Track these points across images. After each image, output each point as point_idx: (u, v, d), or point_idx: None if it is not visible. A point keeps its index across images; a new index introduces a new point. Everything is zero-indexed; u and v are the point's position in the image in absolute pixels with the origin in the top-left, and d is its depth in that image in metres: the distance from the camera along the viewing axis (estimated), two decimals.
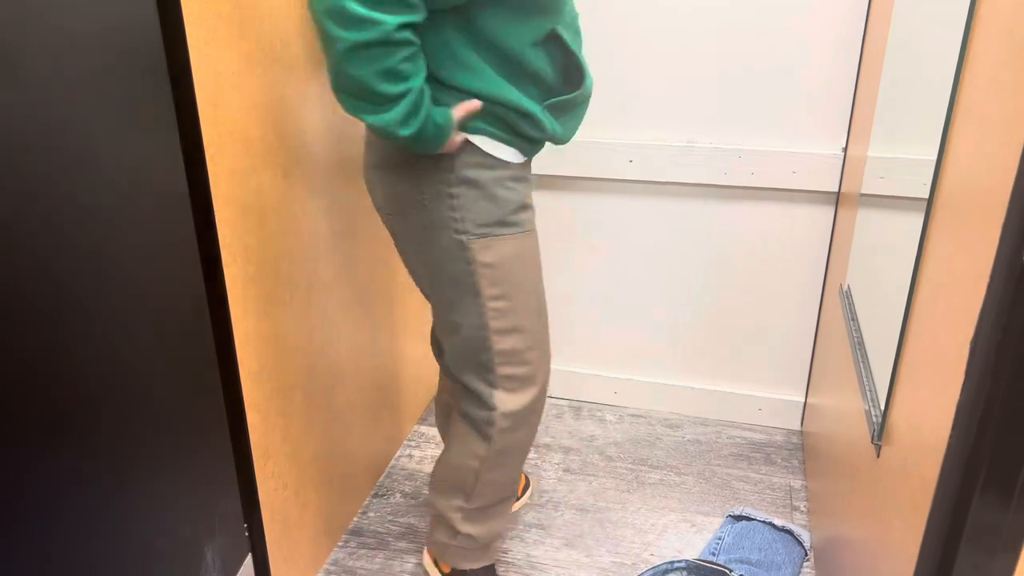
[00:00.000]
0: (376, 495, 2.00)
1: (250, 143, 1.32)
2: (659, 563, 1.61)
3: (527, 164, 1.34)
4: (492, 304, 1.33)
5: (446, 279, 1.34)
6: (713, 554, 1.72)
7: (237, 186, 1.30)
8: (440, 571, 1.65)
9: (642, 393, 2.29)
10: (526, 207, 1.33)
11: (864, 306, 1.52)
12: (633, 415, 2.29)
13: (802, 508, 1.92)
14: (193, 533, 0.88)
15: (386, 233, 1.89)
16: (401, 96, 1.12)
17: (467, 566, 1.59)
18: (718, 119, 1.95)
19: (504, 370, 1.38)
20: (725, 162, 1.97)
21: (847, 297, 1.65)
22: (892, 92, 1.49)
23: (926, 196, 1.09)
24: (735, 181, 1.97)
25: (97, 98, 0.71)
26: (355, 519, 1.92)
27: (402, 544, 1.83)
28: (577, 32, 1.29)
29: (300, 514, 1.65)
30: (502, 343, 1.36)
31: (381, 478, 2.06)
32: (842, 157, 1.90)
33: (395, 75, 1.10)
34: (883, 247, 1.42)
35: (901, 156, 1.39)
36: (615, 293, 2.20)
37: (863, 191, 1.63)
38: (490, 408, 1.41)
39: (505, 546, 1.82)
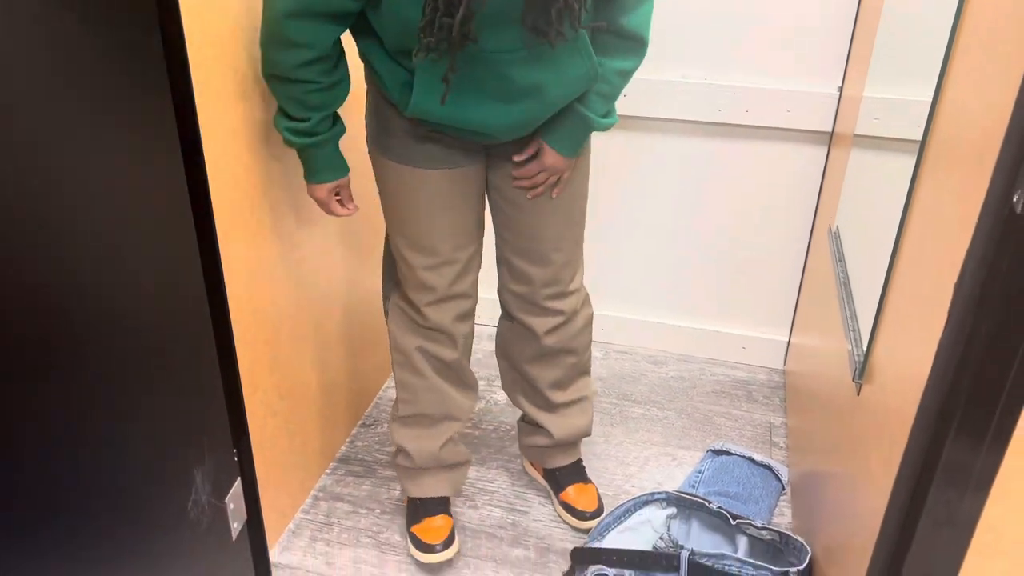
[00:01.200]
0: (364, 425, 2.03)
1: (236, 71, 1.29)
2: (640, 494, 1.65)
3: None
4: None
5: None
6: (693, 487, 1.76)
7: (225, 112, 1.28)
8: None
9: (628, 330, 2.31)
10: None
11: (852, 247, 1.53)
12: (619, 351, 2.31)
13: (781, 444, 1.96)
14: (183, 458, 0.89)
15: (371, 170, 1.86)
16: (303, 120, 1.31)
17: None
18: (713, 55, 1.92)
19: None
20: (719, 99, 1.94)
21: (835, 238, 1.65)
22: (890, 32, 1.46)
23: (919, 138, 1.09)
24: (729, 119, 1.95)
25: None
26: (343, 448, 1.95)
27: (388, 472, 1.86)
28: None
29: (288, 442, 1.67)
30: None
31: (369, 408, 2.08)
32: (837, 97, 1.88)
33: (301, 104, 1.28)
34: (874, 189, 1.42)
35: (897, 97, 1.38)
36: (603, 231, 2.20)
37: (857, 132, 1.62)
38: None
39: (490, 475, 1.86)
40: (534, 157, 1.42)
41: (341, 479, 1.86)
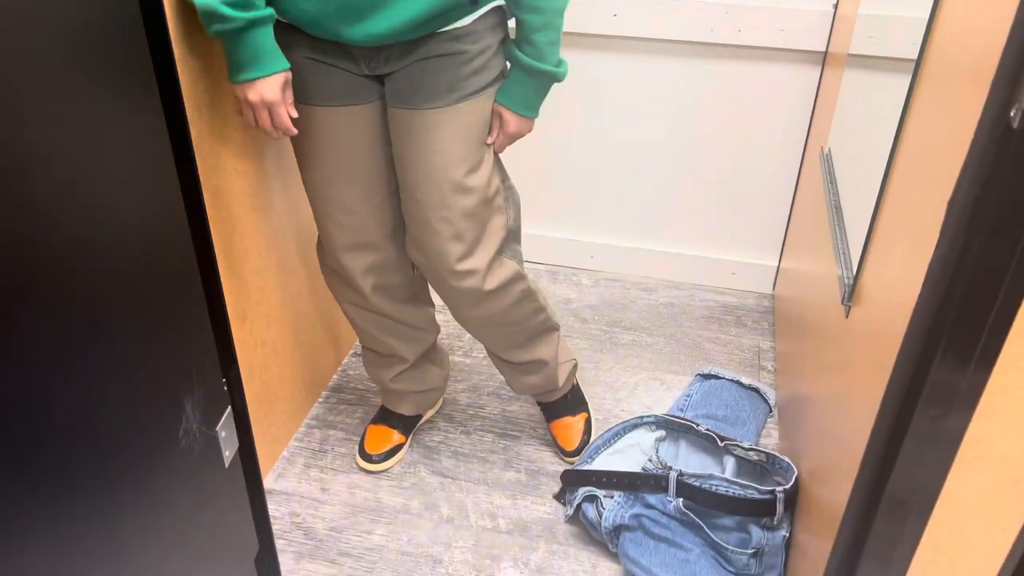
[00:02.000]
0: (355, 354, 2.03)
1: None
2: (629, 418, 1.67)
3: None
4: None
5: None
6: (681, 410, 1.78)
7: (200, 30, 1.24)
8: None
9: (618, 257, 2.31)
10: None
11: (843, 170, 1.51)
12: (608, 279, 2.31)
13: (769, 368, 1.98)
14: (172, 388, 0.89)
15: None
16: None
17: None
18: None
19: None
20: (712, 17, 1.89)
21: (827, 160, 1.64)
22: None
23: (915, 57, 1.06)
24: (721, 39, 1.91)
25: None
26: (334, 377, 1.96)
27: (380, 400, 1.87)
28: None
29: (279, 371, 1.68)
30: None
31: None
32: (832, 15, 1.84)
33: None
34: (867, 110, 1.39)
35: (892, 14, 1.35)
36: (593, 156, 2.17)
37: (851, 51, 1.59)
38: None
39: (481, 402, 1.88)
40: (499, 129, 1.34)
41: (334, 407, 1.87)
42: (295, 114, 1.26)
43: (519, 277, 1.48)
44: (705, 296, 2.25)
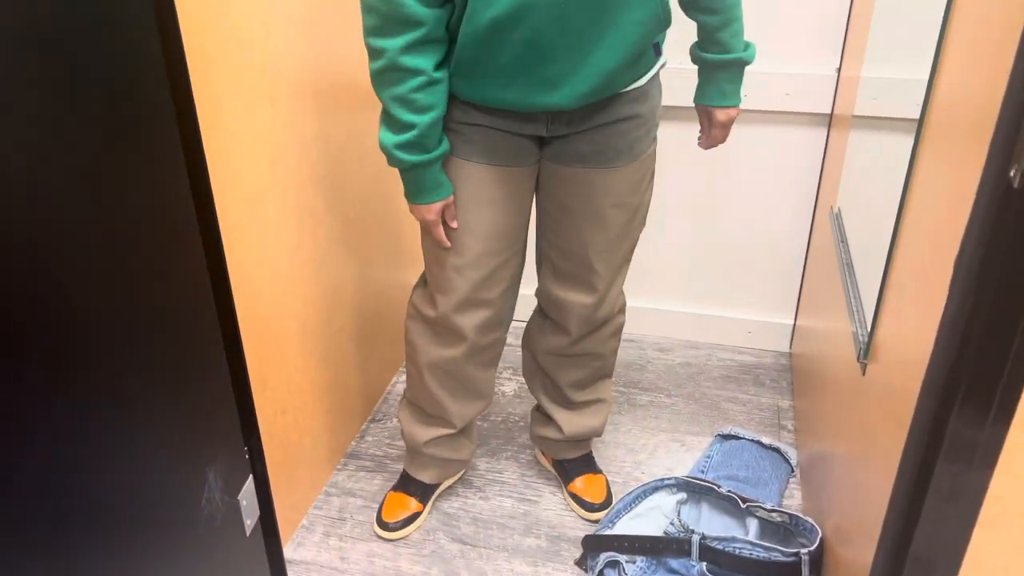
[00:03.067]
0: (374, 420, 2.04)
1: (238, 69, 1.30)
2: (649, 481, 1.66)
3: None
4: None
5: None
6: (702, 471, 1.77)
7: (223, 112, 1.29)
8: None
9: (634, 318, 2.32)
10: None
11: (854, 228, 1.53)
12: (625, 340, 2.32)
13: (789, 427, 1.97)
14: (196, 457, 0.90)
15: (375, 163, 1.87)
16: (409, 127, 1.23)
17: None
18: None
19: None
20: None
21: (837, 219, 1.66)
22: (886, 10, 1.46)
23: (917, 117, 1.09)
24: None
25: None
26: (353, 443, 1.97)
27: (399, 466, 1.87)
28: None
29: (299, 438, 1.69)
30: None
31: (378, 403, 2.10)
32: (836, 78, 1.88)
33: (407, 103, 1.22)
34: (874, 169, 1.42)
35: (894, 76, 1.38)
36: None
37: (856, 112, 1.62)
38: None
39: (500, 467, 1.87)
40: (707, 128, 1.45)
41: (353, 474, 1.87)
42: (455, 226, 1.38)
43: (624, 306, 1.62)
44: (723, 355, 2.25)
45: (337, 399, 1.86)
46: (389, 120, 1.25)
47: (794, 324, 2.21)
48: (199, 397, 0.91)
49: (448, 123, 1.32)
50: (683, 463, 1.87)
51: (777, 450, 1.81)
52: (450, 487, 1.81)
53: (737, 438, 1.85)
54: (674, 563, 1.44)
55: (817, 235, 1.98)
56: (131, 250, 0.76)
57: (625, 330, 2.33)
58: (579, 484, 1.75)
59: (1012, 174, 0.65)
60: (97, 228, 0.71)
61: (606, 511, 1.67)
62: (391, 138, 1.25)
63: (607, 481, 1.77)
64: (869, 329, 1.22)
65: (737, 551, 1.39)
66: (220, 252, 0.94)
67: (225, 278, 0.99)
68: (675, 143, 2.06)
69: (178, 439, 0.86)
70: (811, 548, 1.37)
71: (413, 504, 1.71)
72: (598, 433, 1.74)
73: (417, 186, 1.31)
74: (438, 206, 1.33)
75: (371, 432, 2.00)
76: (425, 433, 1.65)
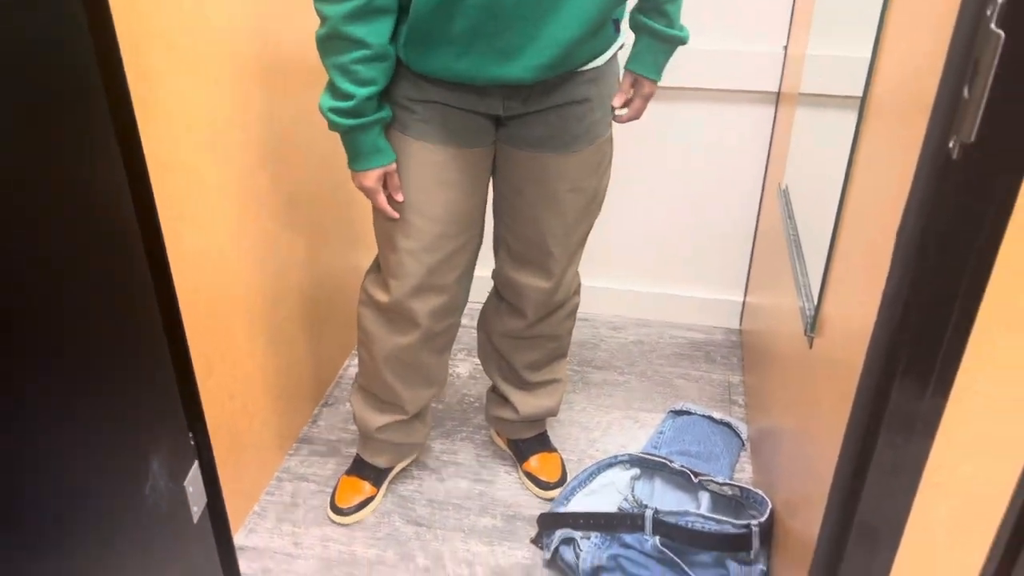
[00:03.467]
0: (326, 404, 2.02)
1: (173, 47, 1.26)
2: (603, 458, 1.67)
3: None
4: None
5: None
6: (655, 447, 1.79)
7: (160, 89, 1.25)
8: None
9: (587, 297, 2.32)
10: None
11: (801, 205, 1.55)
12: (578, 319, 2.32)
13: (740, 402, 2.00)
14: (137, 445, 0.88)
15: (325, 144, 1.84)
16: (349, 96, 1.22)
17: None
18: None
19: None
20: (668, 61, 1.94)
21: (785, 196, 1.68)
22: None
23: (860, 94, 1.10)
24: (676, 82, 1.96)
25: None
26: (305, 428, 1.94)
27: (352, 451, 1.85)
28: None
29: (248, 424, 1.66)
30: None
31: (330, 388, 2.07)
32: (782, 56, 1.90)
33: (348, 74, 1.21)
34: (820, 146, 1.44)
35: (838, 54, 1.40)
36: None
37: (802, 90, 1.64)
38: None
39: (455, 448, 1.87)
40: (629, 100, 1.42)
41: (305, 459, 1.85)
42: (399, 199, 1.34)
43: (579, 288, 1.64)
44: (674, 333, 2.27)
45: (287, 384, 1.83)
46: (330, 85, 1.24)
47: (743, 301, 2.24)
48: (139, 384, 0.88)
49: (401, 100, 1.30)
50: (636, 439, 1.89)
51: (728, 425, 1.84)
52: (405, 469, 1.80)
53: (689, 414, 1.88)
54: (628, 538, 1.45)
55: (765, 212, 2.00)
56: (62, 235, 0.73)
57: (578, 310, 2.33)
58: (534, 463, 1.75)
59: (951, 145, 0.66)
60: (23, 214, 0.68)
61: (561, 489, 1.68)
62: (328, 102, 1.24)
63: (562, 459, 1.78)
64: (815, 303, 1.24)
65: (690, 524, 1.41)
66: (158, 235, 0.92)
67: (164, 262, 0.96)
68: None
69: (118, 427, 0.83)
70: (761, 520, 1.40)
71: (367, 488, 1.70)
72: (553, 413, 1.75)
73: (355, 151, 1.30)
74: (376, 173, 1.31)
75: (323, 417, 1.98)
76: (378, 419, 1.63)
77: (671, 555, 1.41)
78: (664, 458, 1.60)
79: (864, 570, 0.99)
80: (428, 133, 1.32)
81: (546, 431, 1.81)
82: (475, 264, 1.50)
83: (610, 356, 2.18)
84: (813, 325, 1.24)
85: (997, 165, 0.65)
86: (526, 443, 1.77)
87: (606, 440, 1.89)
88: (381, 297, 1.46)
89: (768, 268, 1.86)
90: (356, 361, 2.16)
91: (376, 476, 1.72)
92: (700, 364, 2.14)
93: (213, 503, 1.05)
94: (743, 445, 1.82)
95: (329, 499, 1.71)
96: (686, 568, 1.40)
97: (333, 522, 1.68)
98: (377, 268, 1.50)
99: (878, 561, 0.98)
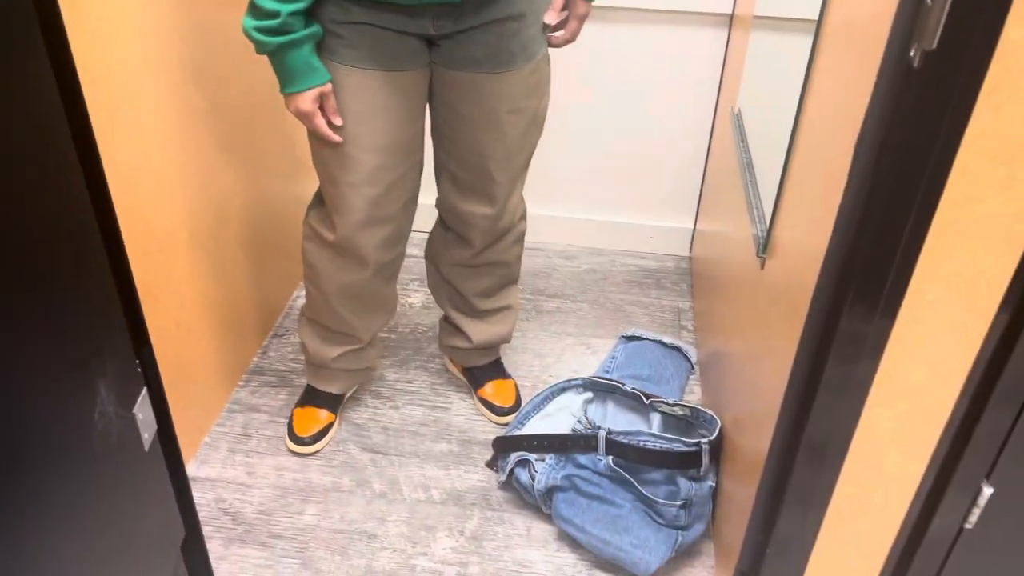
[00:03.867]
0: (275, 335, 1.99)
1: None
2: (557, 382, 1.68)
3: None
4: None
5: None
6: (607, 372, 1.81)
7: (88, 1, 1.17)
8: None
9: (539, 226, 2.31)
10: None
11: (754, 128, 1.55)
12: (531, 248, 2.31)
13: (689, 327, 2.03)
14: (84, 369, 0.85)
15: (266, 64, 1.76)
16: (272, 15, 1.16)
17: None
18: None
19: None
20: None
21: (738, 120, 1.67)
22: None
23: (816, 17, 1.09)
24: (628, 3, 1.92)
25: None
26: (255, 359, 1.91)
27: (304, 381, 1.84)
28: None
29: (197, 353, 1.63)
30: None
31: (280, 318, 2.04)
32: None
33: None
34: (774, 68, 1.43)
35: None
36: None
37: (756, 12, 1.62)
38: None
39: (409, 377, 1.87)
40: (563, 21, 1.37)
41: (256, 390, 1.83)
42: (338, 122, 1.29)
43: (525, 213, 1.62)
44: (626, 261, 2.28)
45: (234, 314, 1.79)
46: (251, 5, 1.17)
47: (694, 228, 2.26)
48: (82, 307, 0.85)
49: (327, 24, 1.24)
50: (589, 365, 1.91)
51: (678, 349, 1.87)
52: (359, 398, 1.80)
53: (640, 339, 1.90)
54: (582, 458, 1.48)
55: (718, 138, 2.00)
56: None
57: (531, 238, 2.32)
58: (488, 389, 1.76)
59: (912, 54, 0.66)
60: None
61: (515, 414, 1.69)
62: (251, 22, 1.18)
63: (516, 385, 1.79)
64: (768, 225, 1.25)
65: (641, 444, 1.44)
66: (94, 150, 0.87)
67: (103, 183, 0.91)
68: (575, 44, 2.01)
69: (64, 351, 0.80)
70: (711, 437, 1.43)
71: (324, 415, 1.69)
72: (506, 339, 1.75)
73: (288, 71, 1.23)
74: (312, 93, 1.25)
75: (273, 347, 1.95)
76: (332, 350, 1.61)
77: (623, 474, 1.44)
78: (616, 381, 1.63)
79: (811, 483, 1.02)
80: (358, 58, 1.26)
81: (500, 358, 1.82)
82: (419, 189, 1.48)
83: (563, 285, 2.18)
84: (765, 247, 1.25)
85: (958, 72, 0.65)
86: (480, 370, 1.78)
87: (560, 366, 1.91)
88: (328, 235, 1.43)
89: (720, 193, 1.87)
90: (304, 293, 2.13)
91: (331, 403, 1.71)
92: (651, 291, 2.16)
93: (163, 431, 1.03)
94: (692, 368, 1.86)
95: (287, 431, 1.70)
96: (638, 485, 1.43)
97: (295, 453, 1.67)
98: (320, 203, 1.46)
99: (825, 474, 1.01)
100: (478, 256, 1.57)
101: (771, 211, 1.23)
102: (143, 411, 0.96)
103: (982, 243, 0.79)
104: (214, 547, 1.48)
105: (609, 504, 1.45)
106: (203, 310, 1.63)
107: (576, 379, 1.67)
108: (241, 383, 1.84)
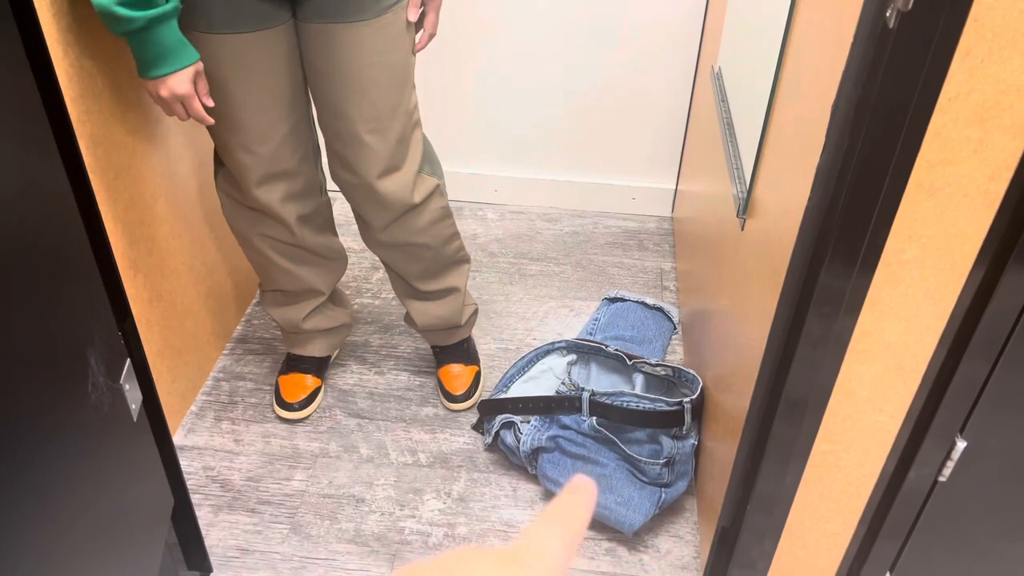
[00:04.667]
0: (258, 303, 1.98)
1: None
2: (541, 345, 1.70)
3: None
4: None
5: None
6: (590, 333, 1.82)
7: None
8: None
9: (521, 189, 2.31)
10: None
11: (734, 87, 1.54)
12: (513, 211, 2.32)
13: (671, 288, 2.04)
14: (74, 340, 0.86)
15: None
16: None
17: None
18: None
19: None
20: None
21: (718, 79, 1.67)
22: None
23: None
24: None
25: None
26: (239, 328, 1.91)
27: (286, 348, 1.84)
28: None
29: (179, 324, 1.62)
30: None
31: None
32: None
33: None
34: (754, 26, 1.42)
35: None
36: (487, 89, 2.14)
37: None
38: None
39: (393, 342, 1.87)
40: (423, 12, 1.30)
41: (240, 358, 1.83)
42: (210, 103, 1.24)
43: (440, 192, 1.49)
44: (608, 223, 2.28)
45: (215, 283, 1.79)
46: None
47: (676, 189, 2.26)
48: (65, 281, 0.84)
49: None
50: (572, 327, 1.92)
51: (660, 309, 1.89)
52: (344, 365, 1.80)
53: (623, 300, 1.91)
54: (566, 419, 1.50)
55: (698, 97, 1.99)
56: None
57: (513, 201, 2.32)
58: (445, 372, 1.73)
59: (888, 14, 0.66)
60: None
61: (468, 402, 1.69)
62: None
63: (478, 371, 1.74)
64: (748, 186, 1.25)
65: (624, 404, 1.45)
66: (68, 128, 0.86)
67: (79, 159, 0.90)
68: (549, 5, 2.00)
69: (55, 327, 0.80)
70: (693, 396, 1.45)
71: (309, 380, 1.70)
72: (453, 323, 1.67)
73: (159, 50, 1.14)
74: (188, 72, 1.18)
75: (257, 316, 1.95)
76: (298, 311, 1.62)
77: (607, 434, 1.46)
78: (599, 343, 1.64)
79: (791, 438, 1.04)
80: (215, 24, 1.21)
81: (466, 340, 1.75)
82: (316, 140, 1.45)
83: (546, 248, 2.18)
84: (745, 207, 1.26)
85: (933, 33, 0.65)
86: (442, 351, 1.75)
87: (543, 328, 1.92)
88: (236, 195, 1.44)
89: (701, 154, 1.87)
90: None
91: (316, 367, 1.71)
92: (633, 252, 2.17)
93: (148, 402, 1.03)
94: (675, 328, 1.87)
95: (273, 399, 1.70)
96: (622, 445, 1.46)
97: (284, 419, 1.67)
98: (222, 164, 1.43)
99: (804, 429, 1.03)
100: (382, 234, 1.48)
101: (751, 172, 1.24)
102: (129, 382, 0.97)
103: (957, 203, 0.80)
104: (203, 514, 1.50)
105: (594, 464, 1.47)
106: (185, 281, 1.63)
107: (560, 341, 1.69)
108: (226, 351, 1.84)
